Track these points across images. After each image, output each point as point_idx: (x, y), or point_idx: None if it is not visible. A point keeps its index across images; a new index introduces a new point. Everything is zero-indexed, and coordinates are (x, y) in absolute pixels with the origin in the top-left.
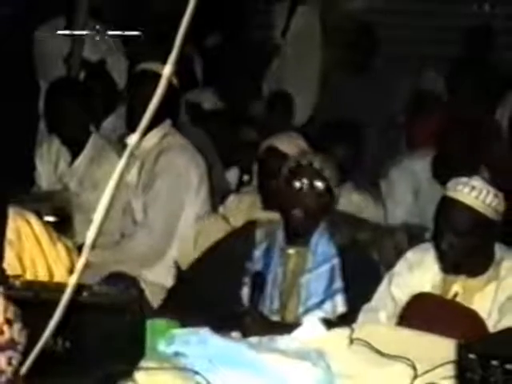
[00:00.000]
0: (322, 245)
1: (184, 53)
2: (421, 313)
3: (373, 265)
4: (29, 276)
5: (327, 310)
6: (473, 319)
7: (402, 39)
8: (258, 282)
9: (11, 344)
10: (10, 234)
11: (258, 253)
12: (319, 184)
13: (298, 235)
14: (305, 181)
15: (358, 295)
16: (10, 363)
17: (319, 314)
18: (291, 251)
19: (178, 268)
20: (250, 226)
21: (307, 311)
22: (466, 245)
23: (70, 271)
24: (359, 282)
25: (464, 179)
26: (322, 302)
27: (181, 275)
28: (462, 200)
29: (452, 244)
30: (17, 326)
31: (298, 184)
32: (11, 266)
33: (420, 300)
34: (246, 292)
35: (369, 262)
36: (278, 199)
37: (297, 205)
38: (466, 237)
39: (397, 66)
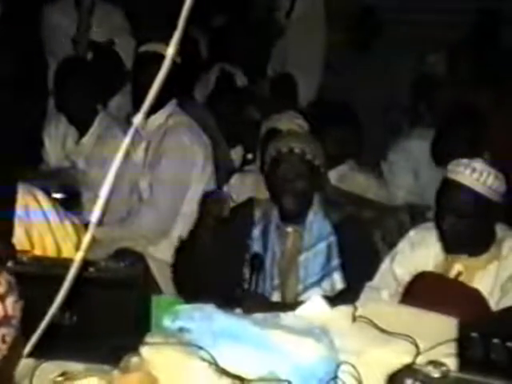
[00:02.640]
0: (317, 223)
1: (189, 34)
2: (423, 291)
3: (368, 240)
4: (37, 252)
5: (326, 287)
6: (475, 298)
7: (404, 22)
8: (256, 264)
9: (4, 320)
10: (18, 210)
11: (256, 231)
12: (302, 168)
13: (291, 216)
14: (288, 167)
15: (355, 271)
16: (4, 341)
17: (318, 291)
18: (289, 229)
19: (182, 245)
20: (249, 203)
21: (306, 289)
22: (468, 225)
23: (77, 248)
24: (355, 258)
25: (465, 161)
26: (320, 279)
27: (182, 250)
28: (463, 182)
29: (453, 225)
30: (10, 300)
31: (281, 171)
32: (20, 243)
33: (423, 279)
34: (247, 271)
35: (364, 238)
36: (267, 187)
37: (284, 191)
38: (468, 218)
39: (399, 49)
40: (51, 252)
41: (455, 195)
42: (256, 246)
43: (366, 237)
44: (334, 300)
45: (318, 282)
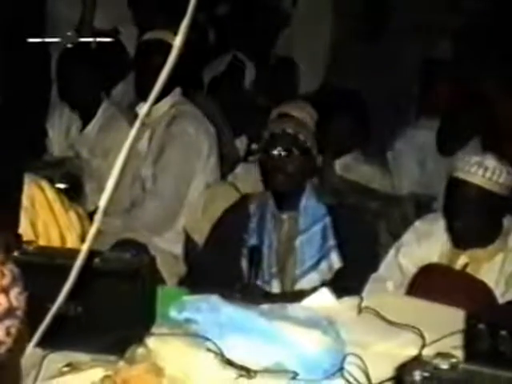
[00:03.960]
0: (311, 206)
1: (196, 22)
2: (430, 283)
3: (362, 223)
4: (42, 242)
5: (323, 269)
6: (482, 290)
7: (412, 8)
8: (255, 258)
9: (9, 313)
10: (24, 200)
11: (252, 224)
12: (295, 150)
13: (285, 200)
14: (280, 148)
15: (351, 252)
16: (8, 333)
17: (315, 274)
18: (284, 216)
19: (186, 235)
20: (244, 200)
21: (304, 273)
22: (479, 222)
23: (82, 238)
24: (350, 240)
25: (476, 158)
26: (317, 262)
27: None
28: (476, 183)
29: (465, 223)
30: (14, 292)
31: (274, 152)
32: (25, 233)
33: (429, 270)
34: (245, 264)
35: (358, 221)
36: (260, 170)
37: (276, 172)
38: (478, 214)
39: (407, 36)
40: (56, 242)
41: (468, 196)
42: (253, 238)
43: (360, 219)
44: (333, 283)
45: (315, 265)
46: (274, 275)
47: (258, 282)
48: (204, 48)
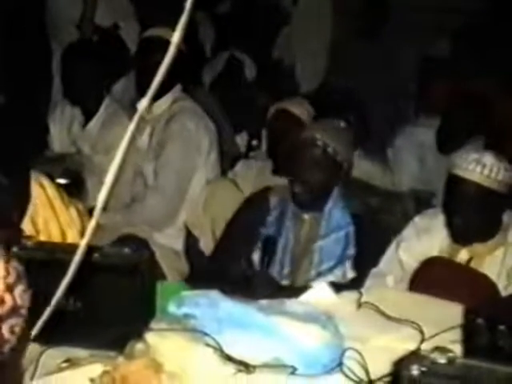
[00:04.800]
0: (335, 212)
1: (194, 19)
2: (433, 276)
3: (384, 233)
4: (42, 238)
5: (337, 275)
6: (485, 283)
7: (411, 7)
8: (269, 246)
9: (13, 311)
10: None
11: (271, 218)
12: (322, 160)
13: (306, 204)
14: (306, 157)
15: (368, 262)
16: (12, 331)
17: (330, 279)
18: (306, 216)
19: (187, 231)
20: (266, 191)
21: (318, 276)
22: (478, 219)
23: (82, 234)
24: (370, 249)
25: (474, 155)
26: (333, 267)
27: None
28: (474, 180)
29: (464, 220)
30: (19, 290)
31: (299, 160)
32: (25, 229)
33: (432, 263)
34: (257, 257)
35: (380, 230)
36: (284, 173)
37: (298, 180)
38: (477, 211)
39: (406, 34)
40: (56, 239)
41: (467, 193)
42: (270, 232)
43: (382, 229)
44: (342, 287)
45: (330, 269)
46: (286, 277)
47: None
48: (201, 45)
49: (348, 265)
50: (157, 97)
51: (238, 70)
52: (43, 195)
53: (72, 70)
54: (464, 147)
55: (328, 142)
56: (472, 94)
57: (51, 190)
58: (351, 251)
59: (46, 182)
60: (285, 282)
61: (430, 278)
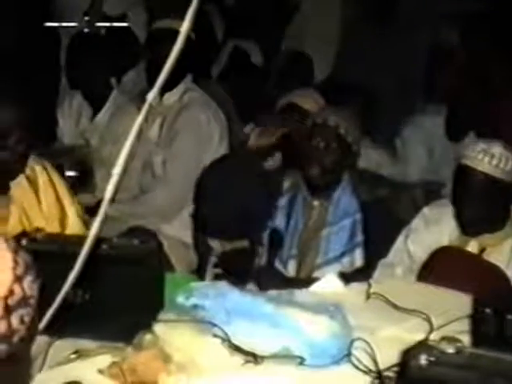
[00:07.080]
0: (344, 199)
1: (203, 9)
2: (444, 265)
3: (394, 221)
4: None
5: (345, 263)
6: (496, 273)
7: None
8: (276, 240)
9: (22, 301)
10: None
11: (282, 201)
12: (334, 141)
13: (319, 189)
14: (319, 139)
15: (378, 250)
16: (22, 321)
17: (337, 267)
18: (315, 203)
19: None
20: (280, 171)
21: (326, 263)
22: (487, 209)
23: (87, 225)
24: (379, 237)
25: (483, 145)
26: (341, 255)
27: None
28: (482, 170)
29: (473, 210)
30: (28, 280)
31: (312, 142)
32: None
33: (444, 253)
34: (264, 248)
35: (390, 218)
36: (296, 158)
37: (312, 163)
38: (485, 202)
39: (415, 22)
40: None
41: (475, 183)
42: (277, 219)
43: (391, 216)
44: (350, 277)
45: (338, 258)
46: (292, 256)
47: (276, 264)
48: (211, 36)
49: (357, 253)
50: (167, 88)
51: (244, 60)
52: (46, 176)
53: (80, 62)
54: (471, 135)
55: (340, 123)
56: (480, 81)
57: (55, 177)
58: (359, 239)
59: (45, 166)
60: (291, 262)
61: (441, 266)
